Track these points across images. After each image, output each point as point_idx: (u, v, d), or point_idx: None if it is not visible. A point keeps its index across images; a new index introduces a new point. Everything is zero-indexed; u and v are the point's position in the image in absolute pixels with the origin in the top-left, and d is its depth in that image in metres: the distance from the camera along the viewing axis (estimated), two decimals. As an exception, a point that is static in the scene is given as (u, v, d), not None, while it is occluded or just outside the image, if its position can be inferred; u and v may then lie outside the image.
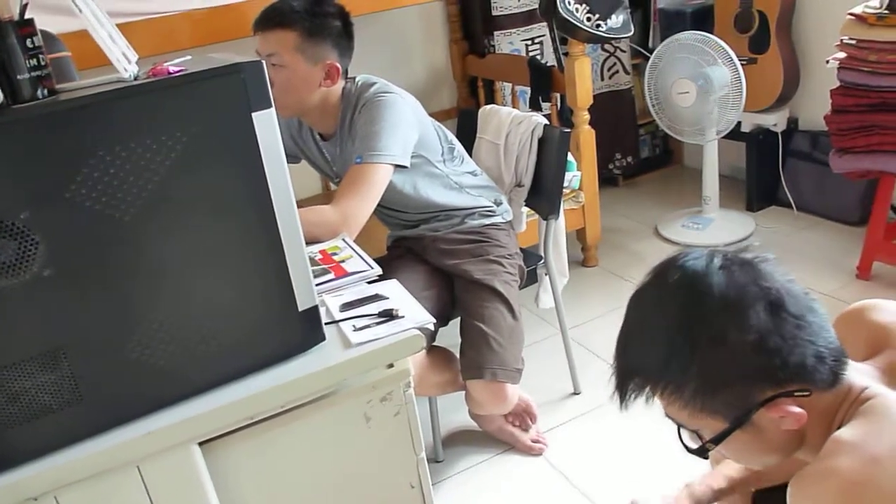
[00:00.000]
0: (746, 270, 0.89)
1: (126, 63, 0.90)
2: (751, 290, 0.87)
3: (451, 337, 1.90)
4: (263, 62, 0.94)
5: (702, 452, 0.96)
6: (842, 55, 2.40)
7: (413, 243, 1.97)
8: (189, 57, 1.01)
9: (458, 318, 1.90)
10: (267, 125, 0.95)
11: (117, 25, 0.98)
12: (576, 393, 2.27)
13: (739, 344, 0.86)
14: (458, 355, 1.87)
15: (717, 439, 0.92)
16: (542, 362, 2.39)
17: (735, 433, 0.90)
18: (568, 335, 2.23)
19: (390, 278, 1.28)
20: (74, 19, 0.92)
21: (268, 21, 1.67)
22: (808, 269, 2.79)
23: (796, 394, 0.87)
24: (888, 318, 1.01)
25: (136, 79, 0.90)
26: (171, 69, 0.90)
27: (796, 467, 0.90)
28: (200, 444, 1.00)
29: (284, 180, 0.98)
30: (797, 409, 0.87)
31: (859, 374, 0.92)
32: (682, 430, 0.97)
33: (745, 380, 0.87)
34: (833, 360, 0.88)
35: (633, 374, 0.93)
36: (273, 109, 0.95)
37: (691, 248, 0.96)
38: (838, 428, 0.88)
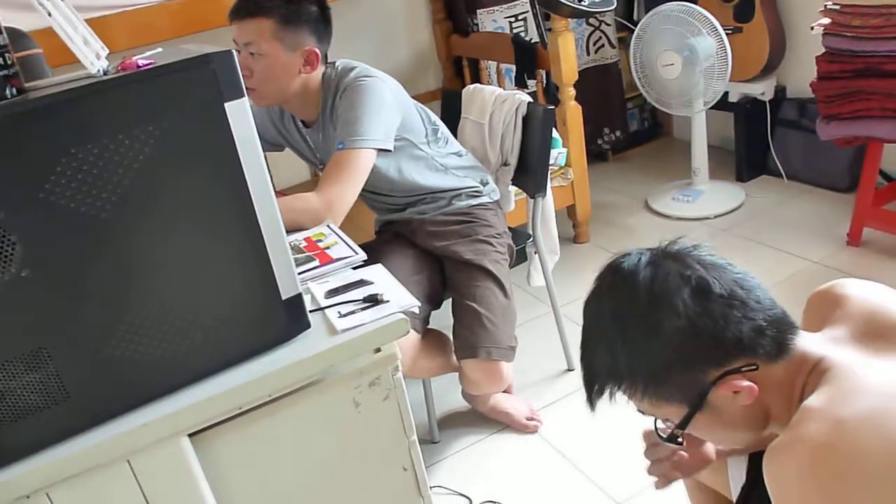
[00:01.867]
0: (672, 262, 0.94)
1: (94, 59, 0.89)
2: (673, 280, 0.92)
3: (445, 318, 1.91)
4: (234, 52, 0.93)
5: (672, 439, 1.00)
6: (826, 21, 2.39)
7: (401, 227, 1.97)
8: (160, 49, 1.00)
9: (451, 300, 1.91)
10: (240, 115, 0.94)
11: (91, 20, 0.97)
12: (569, 370, 2.28)
13: (672, 332, 0.90)
14: (451, 337, 1.87)
15: (682, 424, 0.96)
16: (536, 340, 2.41)
17: (697, 416, 0.94)
18: (560, 312, 2.24)
19: (380, 263, 1.29)
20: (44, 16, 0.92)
21: (243, 10, 1.65)
22: (799, 237, 2.80)
23: (743, 369, 0.91)
24: (849, 291, 1.03)
25: (105, 74, 0.89)
26: (141, 63, 0.89)
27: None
28: (190, 435, 1.00)
29: (261, 170, 0.98)
30: (746, 383, 0.90)
31: (813, 343, 0.94)
32: (656, 420, 1.03)
33: (687, 365, 0.92)
34: (775, 331, 0.91)
35: (592, 378, 0.99)
36: (246, 99, 0.94)
37: (632, 249, 1.01)
38: (800, 397, 0.90)
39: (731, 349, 0.90)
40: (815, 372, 0.91)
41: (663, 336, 0.91)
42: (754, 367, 0.91)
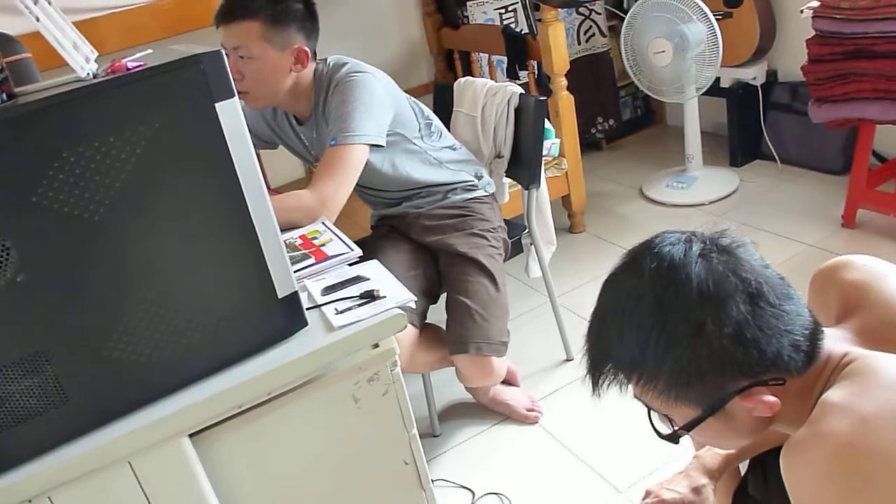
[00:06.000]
0: (725, 259, 0.87)
1: (83, 62, 0.89)
2: (730, 281, 0.85)
3: (443, 313, 1.91)
4: (223, 52, 0.93)
5: (673, 439, 0.95)
6: (815, 4, 2.39)
7: (397, 221, 1.98)
8: (150, 51, 1.00)
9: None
10: (231, 115, 0.94)
11: (79, 22, 0.96)
12: (568, 359, 2.28)
13: (716, 337, 0.84)
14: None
15: (689, 426, 0.91)
16: (534, 331, 2.41)
17: (707, 420, 0.89)
18: (557, 302, 2.24)
19: (376, 258, 1.29)
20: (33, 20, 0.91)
21: (230, 13, 1.64)
22: (794, 220, 2.80)
23: (771, 382, 0.86)
24: (859, 276, 0.98)
25: (94, 77, 0.89)
26: (130, 65, 0.89)
27: (784, 435, 0.89)
28: (191, 435, 1.01)
29: (254, 169, 0.98)
30: (771, 399, 0.86)
31: (835, 341, 0.91)
32: (652, 414, 0.96)
33: (720, 372, 0.86)
34: (808, 345, 0.87)
35: (605, 361, 0.91)
36: (237, 99, 0.94)
37: (669, 231, 0.93)
38: (819, 395, 0.86)
39: (767, 362, 0.85)
40: (838, 368, 0.87)
41: (705, 338, 0.84)
42: (782, 381, 0.87)
